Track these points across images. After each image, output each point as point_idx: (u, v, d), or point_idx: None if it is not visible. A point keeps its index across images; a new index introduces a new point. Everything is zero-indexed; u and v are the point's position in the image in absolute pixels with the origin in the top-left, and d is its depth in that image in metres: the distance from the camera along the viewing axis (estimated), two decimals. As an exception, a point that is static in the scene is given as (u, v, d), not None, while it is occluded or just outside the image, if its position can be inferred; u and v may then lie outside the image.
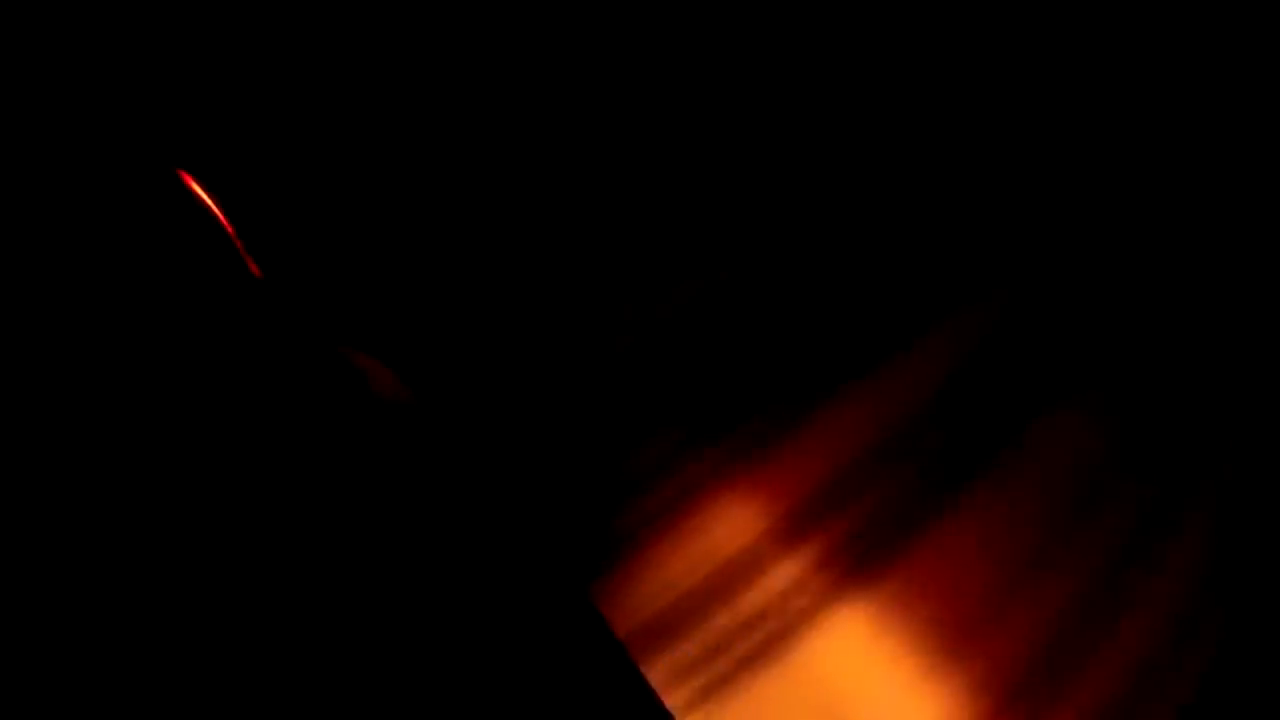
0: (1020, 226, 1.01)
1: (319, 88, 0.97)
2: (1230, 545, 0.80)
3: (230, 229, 0.61)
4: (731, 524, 0.83)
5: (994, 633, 0.75)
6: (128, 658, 0.55)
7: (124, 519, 0.57)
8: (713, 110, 1.02)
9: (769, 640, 0.76)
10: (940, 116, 1.04)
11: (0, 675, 0.53)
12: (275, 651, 0.57)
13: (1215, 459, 0.86)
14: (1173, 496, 0.83)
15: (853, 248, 1.00)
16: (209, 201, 0.61)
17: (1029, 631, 0.75)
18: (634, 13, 1.05)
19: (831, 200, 1.03)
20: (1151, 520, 0.83)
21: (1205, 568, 0.79)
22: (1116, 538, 0.82)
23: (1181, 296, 0.96)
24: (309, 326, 0.65)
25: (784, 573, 0.80)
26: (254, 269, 0.62)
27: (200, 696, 0.55)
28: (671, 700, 0.72)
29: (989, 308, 0.97)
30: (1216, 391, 0.90)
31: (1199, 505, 0.83)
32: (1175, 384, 0.91)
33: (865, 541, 0.82)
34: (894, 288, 0.98)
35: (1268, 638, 0.72)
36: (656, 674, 0.73)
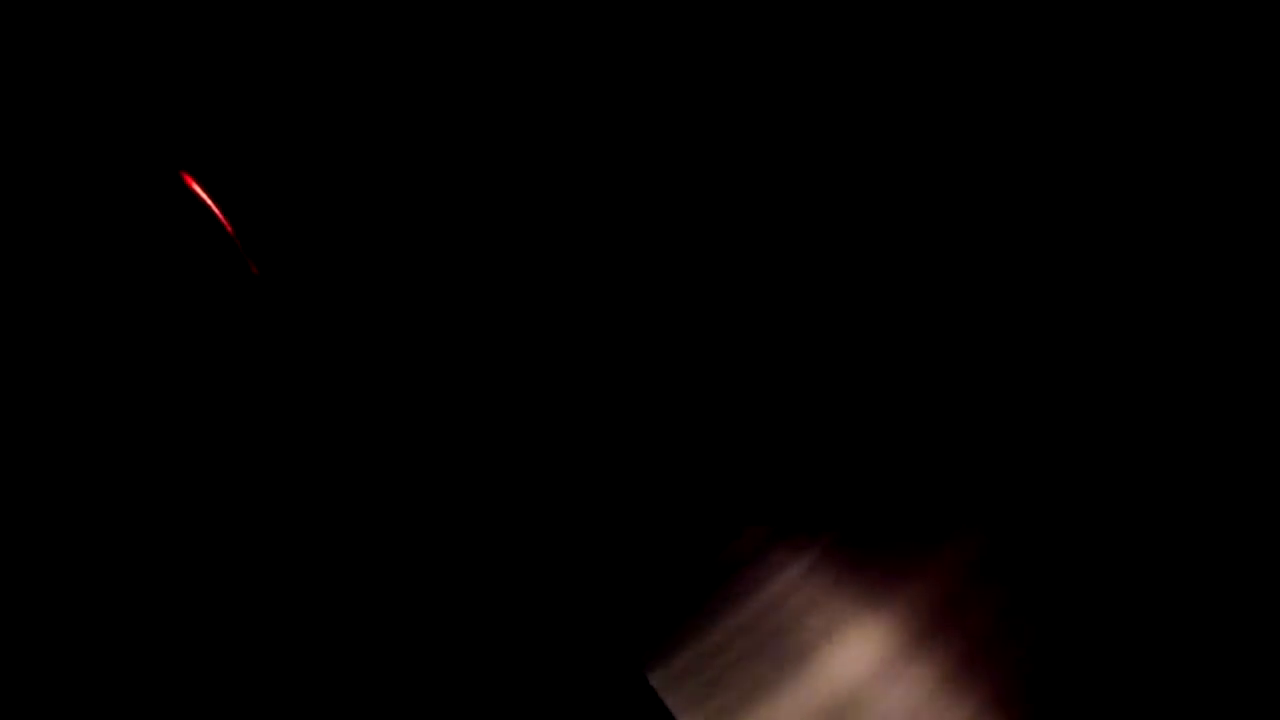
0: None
1: (319, 88, 0.98)
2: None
3: (230, 229, 0.61)
4: (745, 543, 0.83)
5: (1006, 649, 0.74)
6: (124, 652, 0.55)
7: (123, 513, 0.57)
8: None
9: (782, 656, 0.75)
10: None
11: None
12: (274, 663, 0.57)
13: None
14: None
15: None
16: (209, 201, 0.61)
17: (1042, 646, 0.74)
18: (634, 17, 1.05)
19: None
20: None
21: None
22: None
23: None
24: (308, 326, 0.65)
25: (798, 590, 0.80)
26: (254, 268, 0.62)
27: (201, 697, 0.56)
28: (684, 717, 0.71)
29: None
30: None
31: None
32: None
33: (878, 557, 0.81)
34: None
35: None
36: (669, 691, 0.73)
